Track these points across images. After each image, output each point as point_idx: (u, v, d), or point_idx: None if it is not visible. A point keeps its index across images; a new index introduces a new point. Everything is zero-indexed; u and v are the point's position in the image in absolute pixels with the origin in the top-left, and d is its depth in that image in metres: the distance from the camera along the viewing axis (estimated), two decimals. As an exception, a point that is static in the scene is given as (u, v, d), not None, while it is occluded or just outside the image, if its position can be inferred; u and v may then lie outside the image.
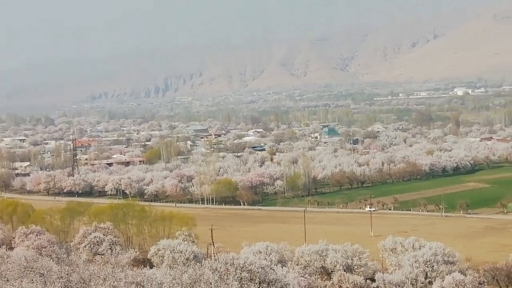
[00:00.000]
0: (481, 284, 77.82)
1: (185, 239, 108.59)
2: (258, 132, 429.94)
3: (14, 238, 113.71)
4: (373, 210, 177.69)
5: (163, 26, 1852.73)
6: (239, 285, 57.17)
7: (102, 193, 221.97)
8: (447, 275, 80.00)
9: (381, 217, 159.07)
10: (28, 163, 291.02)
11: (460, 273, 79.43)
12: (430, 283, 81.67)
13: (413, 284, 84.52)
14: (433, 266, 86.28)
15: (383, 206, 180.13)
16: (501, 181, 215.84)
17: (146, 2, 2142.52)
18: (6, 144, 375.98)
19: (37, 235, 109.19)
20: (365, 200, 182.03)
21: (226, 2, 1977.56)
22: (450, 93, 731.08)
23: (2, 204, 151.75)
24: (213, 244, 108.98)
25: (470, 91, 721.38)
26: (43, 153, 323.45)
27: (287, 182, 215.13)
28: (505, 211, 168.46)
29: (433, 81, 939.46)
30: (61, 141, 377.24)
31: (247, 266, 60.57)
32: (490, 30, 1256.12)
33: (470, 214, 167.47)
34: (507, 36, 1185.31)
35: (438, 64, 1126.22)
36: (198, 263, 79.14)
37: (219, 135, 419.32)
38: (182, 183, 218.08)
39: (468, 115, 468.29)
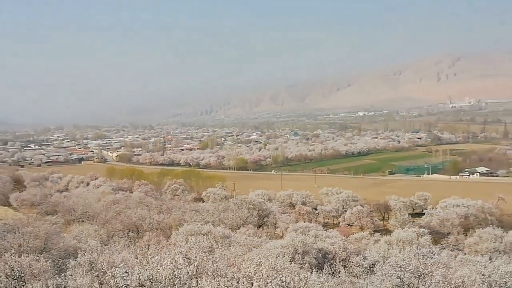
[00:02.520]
0: (371, 211, 77.72)
1: (220, 188, 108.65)
2: (258, 133, 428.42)
3: (133, 187, 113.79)
4: (278, 173, 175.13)
5: (210, 79, 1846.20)
6: (248, 212, 57.25)
7: (178, 165, 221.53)
8: (354, 207, 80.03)
9: (321, 178, 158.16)
10: (140, 149, 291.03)
11: (360, 206, 79.42)
12: (345, 211, 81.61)
13: (336, 211, 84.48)
14: (347, 202, 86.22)
15: (321, 172, 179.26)
16: (382, 159, 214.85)
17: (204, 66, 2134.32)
18: (130, 139, 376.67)
19: (145, 185, 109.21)
20: (312, 169, 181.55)
21: (240, 64, 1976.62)
22: (356, 114, 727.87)
23: (127, 170, 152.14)
24: (235, 190, 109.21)
25: (366, 113, 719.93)
26: (148, 144, 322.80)
27: (273, 159, 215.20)
28: (384, 175, 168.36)
29: (347, 108, 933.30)
30: (157, 137, 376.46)
31: (252, 202, 60.53)
32: (372, 83, 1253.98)
33: (365, 176, 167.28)
34: (367, 85, 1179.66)
35: (349, 99, 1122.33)
36: (227, 200, 79.40)
37: (238, 135, 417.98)
38: (219, 159, 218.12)
39: (365, 126, 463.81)
